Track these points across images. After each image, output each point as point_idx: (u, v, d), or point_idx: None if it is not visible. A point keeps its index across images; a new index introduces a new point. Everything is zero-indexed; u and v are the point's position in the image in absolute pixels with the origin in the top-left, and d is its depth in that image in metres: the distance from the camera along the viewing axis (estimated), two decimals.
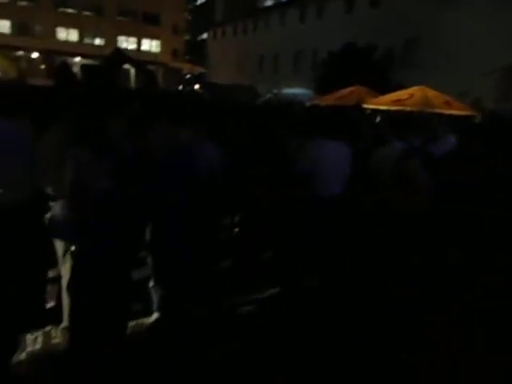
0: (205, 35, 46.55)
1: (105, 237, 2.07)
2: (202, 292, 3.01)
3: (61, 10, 34.04)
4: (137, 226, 2.25)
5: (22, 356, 2.55)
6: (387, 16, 18.98)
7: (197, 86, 32.73)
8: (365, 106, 9.57)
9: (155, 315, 3.11)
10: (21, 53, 31.99)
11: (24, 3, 32.68)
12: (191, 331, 2.84)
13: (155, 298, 3.08)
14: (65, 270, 2.56)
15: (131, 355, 2.49)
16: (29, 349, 2.63)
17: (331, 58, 17.16)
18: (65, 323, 2.73)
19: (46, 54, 31.74)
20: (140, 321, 3.03)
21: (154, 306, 3.11)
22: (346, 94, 11.04)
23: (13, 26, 32.76)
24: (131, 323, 2.79)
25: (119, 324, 2.32)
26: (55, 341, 2.75)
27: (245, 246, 4.06)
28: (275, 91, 19.18)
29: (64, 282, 2.58)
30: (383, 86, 12.49)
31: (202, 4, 60.56)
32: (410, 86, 9.28)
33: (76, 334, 2.23)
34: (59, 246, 2.69)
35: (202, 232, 2.81)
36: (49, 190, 2.62)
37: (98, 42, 35.38)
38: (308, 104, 11.21)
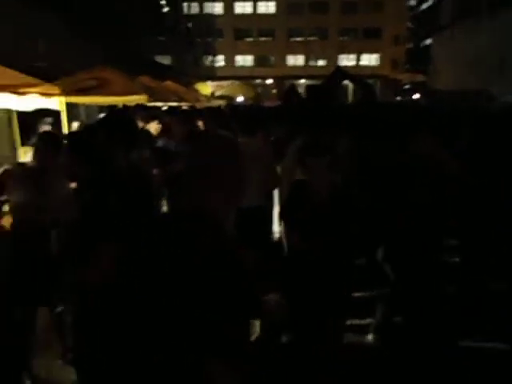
0: (428, 41, 43.45)
1: (318, 241, 2.15)
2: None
3: (291, 39, 38.49)
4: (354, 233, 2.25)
5: None
6: None
7: (416, 95, 30.83)
8: None
9: (370, 336, 3.05)
10: (258, 81, 37.87)
11: (263, 39, 38.58)
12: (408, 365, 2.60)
13: (378, 316, 3.02)
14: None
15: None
16: None
17: None
18: None
19: (277, 80, 36.47)
20: (356, 336, 3.03)
21: (372, 326, 3.06)
22: None
23: (254, 59, 39.21)
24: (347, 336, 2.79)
25: (330, 334, 2.35)
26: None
27: (471, 269, 3.50)
28: None
29: None
30: None
31: (426, 9, 56.87)
32: None
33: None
34: None
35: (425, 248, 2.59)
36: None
37: (321, 63, 38.18)
38: None
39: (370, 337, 3.02)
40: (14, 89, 3.46)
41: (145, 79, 7.89)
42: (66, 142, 2.29)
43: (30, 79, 3.84)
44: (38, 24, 7.86)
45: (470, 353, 2.85)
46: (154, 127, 4.53)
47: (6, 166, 2.57)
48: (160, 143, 4.28)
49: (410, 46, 45.80)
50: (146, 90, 6.30)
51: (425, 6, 58.57)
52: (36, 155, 2.37)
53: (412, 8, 57.37)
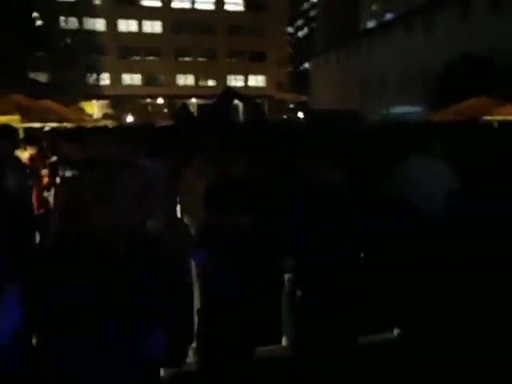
0: (307, 65, 47.85)
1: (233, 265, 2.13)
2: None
3: (180, 59, 38.60)
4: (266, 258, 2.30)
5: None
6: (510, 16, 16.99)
7: (300, 114, 33.42)
8: (491, 117, 8.55)
9: (284, 342, 3.15)
10: (148, 100, 36.98)
11: (151, 58, 37.93)
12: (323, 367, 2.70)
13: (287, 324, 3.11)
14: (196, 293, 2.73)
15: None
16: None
17: (446, 72, 15.89)
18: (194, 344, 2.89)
19: (168, 99, 36.05)
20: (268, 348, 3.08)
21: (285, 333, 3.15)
22: (465, 107, 10.04)
23: (142, 78, 38.20)
24: (260, 349, 2.81)
25: (245, 349, 2.34)
26: (189, 360, 2.96)
27: None
28: (384, 112, 18.45)
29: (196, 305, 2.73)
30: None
31: (303, 36, 62.77)
32: None
33: (203, 355, 2.32)
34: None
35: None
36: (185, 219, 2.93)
37: (210, 83, 38.94)
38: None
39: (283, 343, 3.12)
40: None
41: (18, 97, 7.05)
42: None
43: None
44: None
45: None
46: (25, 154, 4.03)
47: None
48: None
49: (291, 69, 49.83)
50: (18, 109, 5.61)
51: (301, 33, 64.56)
52: None
53: (291, 35, 62.52)
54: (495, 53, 14.75)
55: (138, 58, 37.40)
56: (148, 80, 38.10)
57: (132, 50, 36.88)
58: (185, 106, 12.52)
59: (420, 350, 2.68)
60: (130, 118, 22.66)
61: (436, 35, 22.51)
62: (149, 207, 2.56)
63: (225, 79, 38.43)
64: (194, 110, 22.41)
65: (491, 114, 8.66)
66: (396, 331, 3.27)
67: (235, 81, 39.74)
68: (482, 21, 18.91)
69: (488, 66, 14.56)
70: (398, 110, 18.37)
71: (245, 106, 20.92)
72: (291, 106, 44.07)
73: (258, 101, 27.71)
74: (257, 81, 41.49)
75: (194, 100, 34.71)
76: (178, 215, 3.40)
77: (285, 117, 36.39)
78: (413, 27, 25.22)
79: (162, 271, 1.68)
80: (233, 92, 18.95)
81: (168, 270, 2.31)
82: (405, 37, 25.95)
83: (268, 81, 41.63)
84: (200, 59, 38.97)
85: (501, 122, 8.15)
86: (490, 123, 8.23)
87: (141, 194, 1.44)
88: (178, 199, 3.25)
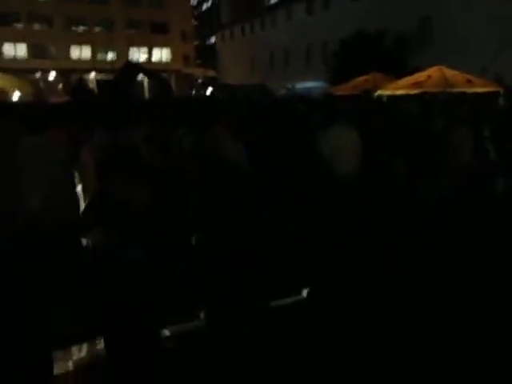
0: (213, 39, 46.85)
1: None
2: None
3: (73, 29, 34.95)
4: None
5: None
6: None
7: (210, 89, 32.91)
8: (381, 92, 9.37)
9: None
10: (38, 74, 33.02)
11: (37, 26, 33.70)
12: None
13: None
14: None
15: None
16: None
17: (343, 48, 16.85)
18: None
19: (62, 73, 32.61)
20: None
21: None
22: (361, 82, 10.84)
23: (29, 49, 33.83)
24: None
25: (156, 328, 2.32)
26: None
27: None
28: (289, 86, 19.04)
29: None
30: (399, 71, 12.18)
31: (207, 9, 61.05)
32: (428, 68, 9.02)
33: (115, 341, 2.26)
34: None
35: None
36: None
37: (110, 55, 36.07)
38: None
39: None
40: None
41: None
42: None
43: None
44: None
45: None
46: None
47: None
48: None
49: (197, 42, 48.42)
50: None
51: (205, 6, 62.68)
52: None
53: (195, 7, 60.38)
54: (384, 31, 16.02)
55: (19, 25, 32.92)
56: (36, 51, 33.87)
57: (10, 15, 32.21)
58: (82, 81, 11.46)
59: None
60: (16, 94, 20.04)
61: (333, 13, 23.63)
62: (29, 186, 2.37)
63: (126, 52, 35.89)
64: (93, 85, 20.70)
65: (382, 89, 9.50)
66: (304, 293, 3.53)
67: (138, 54, 37.40)
68: (371, 2, 20.35)
69: (378, 44, 15.79)
70: (302, 84, 19.13)
71: (151, 82, 19.88)
72: (200, 81, 43.06)
73: (164, 75, 26.55)
74: (161, 54, 39.56)
75: (92, 74, 31.95)
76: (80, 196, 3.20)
77: (194, 92, 35.55)
78: (313, 4, 26.12)
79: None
80: (137, 66, 17.83)
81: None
82: (306, 14, 26.80)
83: (173, 54, 39.96)
84: (97, 29, 35.71)
85: (388, 96, 9.02)
86: (380, 97, 9.05)
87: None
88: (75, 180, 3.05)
